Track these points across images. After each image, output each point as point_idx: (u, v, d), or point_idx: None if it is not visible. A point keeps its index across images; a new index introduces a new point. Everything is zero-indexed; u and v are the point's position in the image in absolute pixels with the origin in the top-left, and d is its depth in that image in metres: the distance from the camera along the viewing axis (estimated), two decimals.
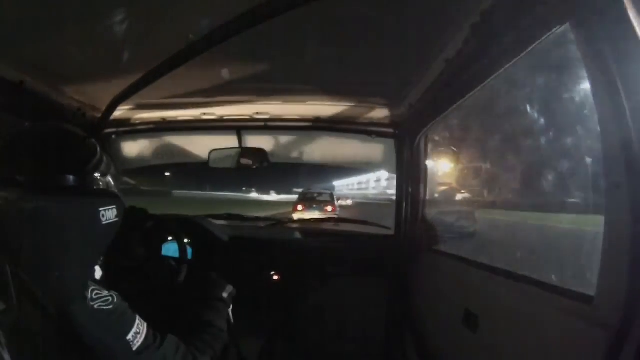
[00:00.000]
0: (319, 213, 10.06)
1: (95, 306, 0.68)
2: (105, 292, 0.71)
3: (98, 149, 0.89)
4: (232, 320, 1.15)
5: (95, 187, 0.85)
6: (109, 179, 0.91)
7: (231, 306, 1.13)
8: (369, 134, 1.68)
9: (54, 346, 0.66)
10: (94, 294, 0.69)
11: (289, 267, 1.67)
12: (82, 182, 0.81)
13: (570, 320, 0.63)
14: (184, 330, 0.91)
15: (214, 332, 0.97)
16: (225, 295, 1.12)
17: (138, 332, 0.73)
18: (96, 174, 0.86)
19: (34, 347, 0.66)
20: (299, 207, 10.94)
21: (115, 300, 0.72)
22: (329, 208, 10.94)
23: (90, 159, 0.84)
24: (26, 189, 0.72)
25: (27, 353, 0.65)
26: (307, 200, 11.42)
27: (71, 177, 0.78)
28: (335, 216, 9.23)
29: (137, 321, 0.74)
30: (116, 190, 0.95)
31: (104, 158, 0.89)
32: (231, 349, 1.42)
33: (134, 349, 0.71)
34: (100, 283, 0.74)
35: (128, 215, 0.86)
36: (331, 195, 12.57)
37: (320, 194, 12.38)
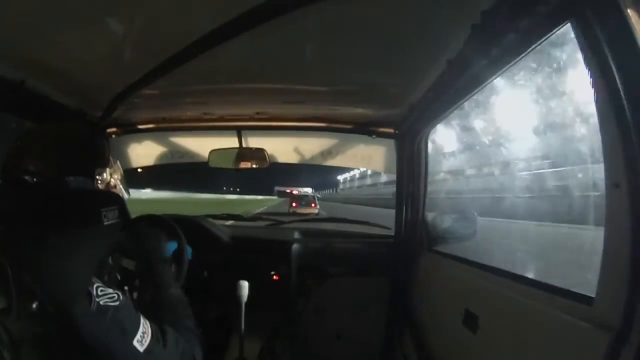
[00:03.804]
0: (307, 208, 16.99)
1: (101, 302, 0.67)
2: (110, 290, 0.70)
3: (103, 149, 0.89)
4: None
5: (97, 188, 0.85)
6: (112, 179, 0.91)
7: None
8: (369, 134, 1.68)
9: (56, 346, 0.66)
10: (99, 290, 0.68)
11: (289, 267, 1.67)
12: (84, 182, 0.81)
13: (570, 320, 0.62)
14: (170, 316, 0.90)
15: (189, 314, 0.94)
16: (166, 253, 1.07)
17: (145, 332, 0.72)
18: (100, 175, 0.86)
19: (36, 347, 0.66)
20: (294, 204, 17.38)
21: (121, 297, 0.71)
22: (313, 205, 17.58)
23: (94, 160, 0.85)
24: (29, 188, 0.72)
25: (28, 353, 0.65)
26: (299, 200, 18.30)
27: (74, 178, 0.78)
28: (316, 211, 16.37)
29: (142, 320, 0.74)
30: (120, 191, 0.95)
31: (108, 158, 0.89)
32: (232, 349, 1.42)
33: (142, 349, 0.70)
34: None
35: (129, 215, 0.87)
36: (314, 196, 20.33)
37: (306, 195, 20.39)
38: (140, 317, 0.74)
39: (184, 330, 0.87)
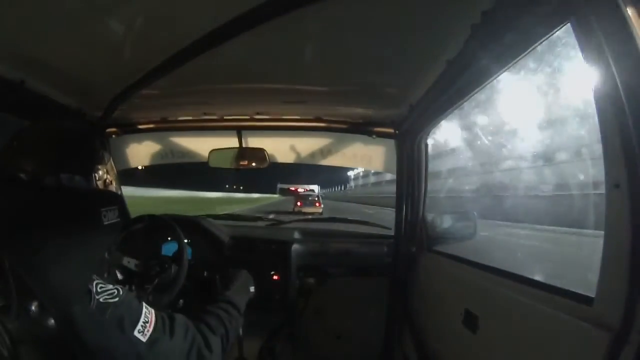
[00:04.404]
0: (311, 207, 17.49)
1: (101, 299, 0.67)
2: (110, 286, 0.70)
3: (100, 148, 0.88)
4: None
5: (97, 187, 0.84)
6: (111, 178, 0.90)
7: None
8: (369, 134, 1.68)
9: (56, 346, 0.66)
10: (98, 287, 0.68)
11: (289, 267, 1.67)
12: (83, 181, 0.80)
13: (570, 320, 0.62)
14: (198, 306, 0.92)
15: (229, 309, 0.96)
16: (251, 289, 1.17)
17: (147, 321, 0.71)
18: (98, 174, 0.85)
19: (36, 347, 0.66)
20: (298, 204, 17.83)
21: (122, 292, 0.71)
22: (317, 204, 18.08)
23: (92, 159, 0.84)
24: (28, 188, 0.72)
25: (28, 353, 0.64)
26: (303, 199, 18.87)
27: (73, 177, 0.78)
28: (321, 210, 16.86)
29: (145, 309, 0.73)
30: (118, 191, 0.95)
31: (106, 157, 0.89)
32: (232, 349, 1.42)
33: (145, 340, 0.69)
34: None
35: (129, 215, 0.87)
36: (318, 196, 21.19)
37: (311, 195, 20.97)
38: (142, 307, 0.73)
39: (208, 321, 0.87)
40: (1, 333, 0.61)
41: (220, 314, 0.92)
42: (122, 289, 0.71)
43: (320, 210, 17.19)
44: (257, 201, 39.84)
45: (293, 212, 15.02)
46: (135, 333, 0.68)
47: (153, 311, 0.74)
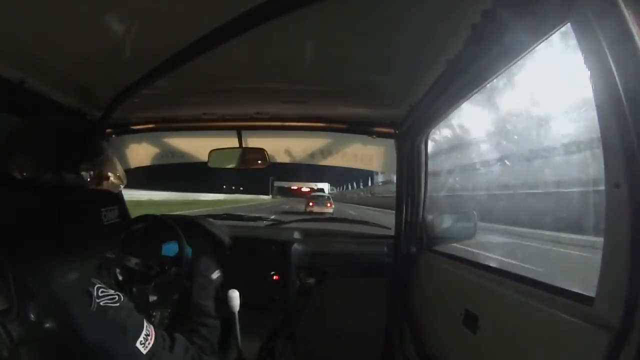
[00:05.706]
0: (323, 207, 17.96)
1: (102, 303, 0.67)
2: (112, 291, 0.70)
3: (102, 147, 0.88)
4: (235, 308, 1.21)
5: (97, 187, 0.84)
6: (113, 178, 0.90)
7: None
8: (369, 134, 1.68)
9: (56, 347, 0.66)
10: (99, 291, 0.68)
11: (289, 267, 1.67)
12: (83, 181, 0.80)
13: (570, 320, 0.62)
14: (183, 325, 0.92)
15: (206, 321, 0.96)
16: (213, 276, 1.16)
17: (148, 334, 0.71)
18: (99, 173, 0.85)
19: (36, 347, 0.66)
20: (310, 204, 18.50)
21: (122, 299, 0.71)
22: (328, 204, 18.70)
23: (92, 158, 0.83)
24: (26, 187, 0.71)
25: (28, 353, 0.64)
26: (315, 199, 19.53)
27: (72, 176, 0.77)
28: (331, 210, 17.54)
29: (145, 323, 0.73)
30: (120, 191, 0.95)
31: (108, 157, 0.88)
32: (232, 349, 1.42)
33: (145, 352, 0.69)
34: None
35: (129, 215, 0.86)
36: (329, 197, 21.77)
37: (322, 196, 21.36)
38: (143, 319, 0.73)
39: (199, 343, 0.87)
40: (1, 334, 0.61)
41: (202, 331, 0.92)
42: (122, 296, 0.71)
43: (332, 211, 17.43)
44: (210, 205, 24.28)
45: (305, 212, 15.87)
46: (137, 344, 0.69)
47: (152, 327, 0.75)
